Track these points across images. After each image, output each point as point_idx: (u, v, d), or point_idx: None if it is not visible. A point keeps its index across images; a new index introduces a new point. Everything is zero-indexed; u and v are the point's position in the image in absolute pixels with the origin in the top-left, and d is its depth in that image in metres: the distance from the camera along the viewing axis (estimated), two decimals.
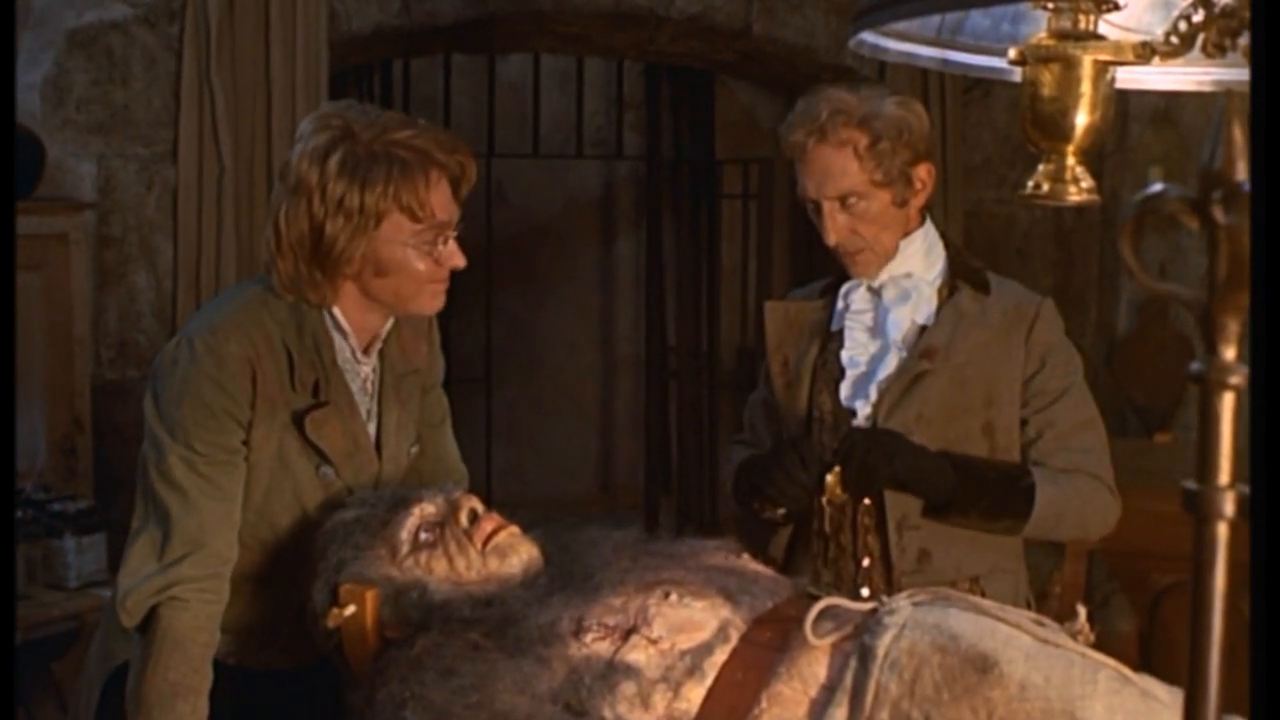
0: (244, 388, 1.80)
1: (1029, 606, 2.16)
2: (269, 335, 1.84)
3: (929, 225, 2.16)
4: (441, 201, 1.84)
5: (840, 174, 2.05)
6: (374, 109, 1.88)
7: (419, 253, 1.83)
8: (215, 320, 1.84)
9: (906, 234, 2.13)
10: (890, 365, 2.11)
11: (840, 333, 2.17)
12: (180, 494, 1.78)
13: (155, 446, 1.80)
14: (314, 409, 1.85)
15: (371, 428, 1.95)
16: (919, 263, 2.14)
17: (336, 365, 1.89)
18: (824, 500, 2.07)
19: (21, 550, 3.09)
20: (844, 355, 2.14)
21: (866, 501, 2.09)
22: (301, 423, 1.84)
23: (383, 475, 1.94)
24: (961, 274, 2.15)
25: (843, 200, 2.06)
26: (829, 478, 2.03)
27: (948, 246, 2.18)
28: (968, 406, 2.09)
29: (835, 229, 2.07)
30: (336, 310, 1.88)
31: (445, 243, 1.86)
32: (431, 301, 1.89)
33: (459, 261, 1.87)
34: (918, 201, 2.13)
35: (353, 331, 1.90)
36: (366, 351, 1.93)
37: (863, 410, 2.11)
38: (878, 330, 2.13)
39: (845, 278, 2.17)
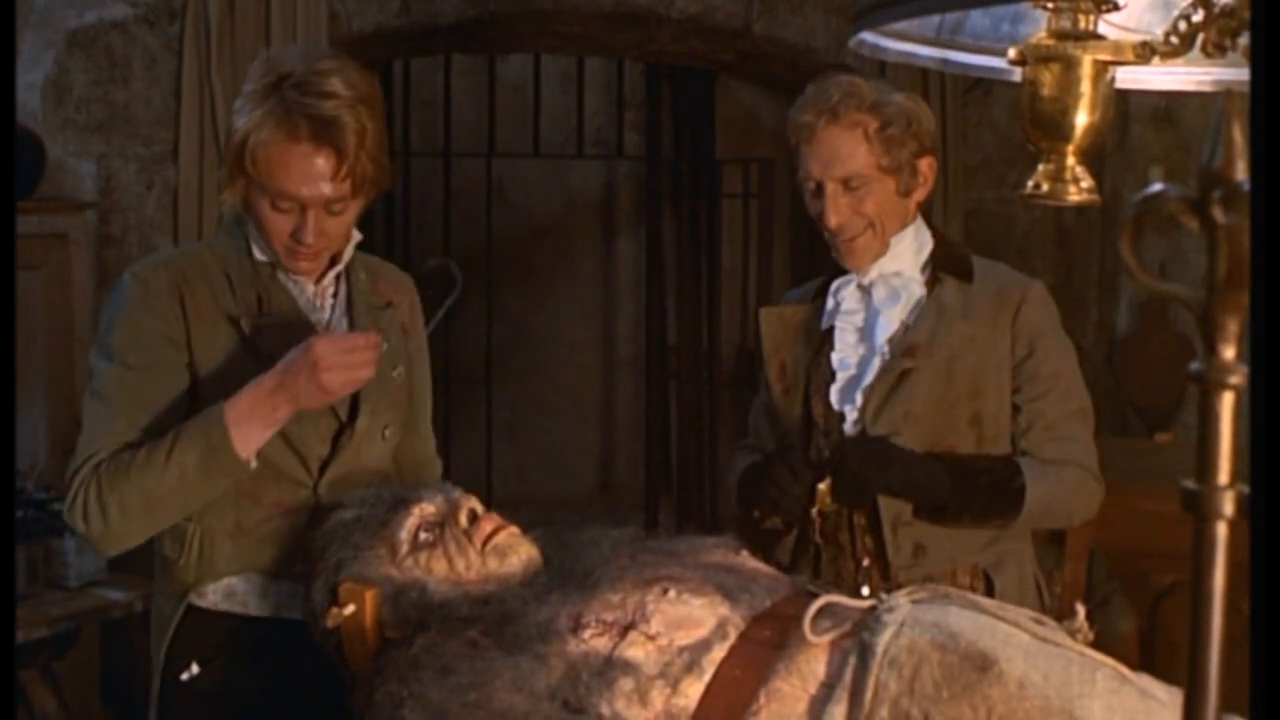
0: (173, 310, 1.85)
1: (1038, 585, 2.17)
2: (204, 267, 1.89)
3: (919, 222, 2.16)
4: (299, 172, 1.79)
5: (849, 155, 2.05)
6: (348, 65, 1.84)
7: (268, 206, 1.82)
8: (151, 259, 1.97)
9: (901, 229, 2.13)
10: (877, 367, 2.10)
11: (832, 332, 2.17)
12: (107, 404, 1.83)
13: (94, 374, 1.87)
14: (255, 317, 1.88)
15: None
16: (909, 260, 2.13)
17: (276, 279, 1.92)
18: (815, 511, 2.07)
19: (22, 550, 3.09)
20: (834, 358, 2.14)
21: None
22: (245, 332, 1.87)
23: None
24: (944, 265, 2.14)
25: (846, 183, 2.06)
26: (820, 487, 2.03)
27: (935, 240, 2.17)
28: (954, 400, 2.08)
29: (837, 210, 2.06)
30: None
31: (302, 215, 1.82)
32: (288, 260, 1.89)
33: (305, 239, 1.83)
34: (918, 195, 2.13)
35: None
36: (319, 281, 1.95)
37: (851, 413, 2.10)
38: (867, 332, 2.13)
39: (837, 275, 2.17)
